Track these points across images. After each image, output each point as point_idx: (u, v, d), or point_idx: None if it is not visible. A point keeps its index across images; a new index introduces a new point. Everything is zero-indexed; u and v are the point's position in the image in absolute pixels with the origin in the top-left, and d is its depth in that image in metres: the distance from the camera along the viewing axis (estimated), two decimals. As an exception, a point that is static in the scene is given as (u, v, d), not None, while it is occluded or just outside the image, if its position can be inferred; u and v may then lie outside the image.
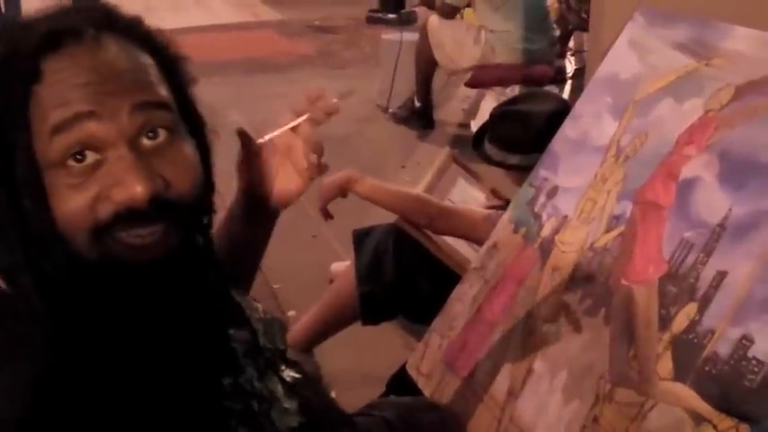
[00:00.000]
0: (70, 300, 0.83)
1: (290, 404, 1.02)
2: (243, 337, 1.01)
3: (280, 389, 1.02)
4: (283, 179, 1.11)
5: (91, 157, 0.82)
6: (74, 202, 0.81)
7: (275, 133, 1.10)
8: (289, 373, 1.06)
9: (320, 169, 1.12)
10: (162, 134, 0.85)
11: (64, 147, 0.81)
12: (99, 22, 0.87)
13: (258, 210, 1.15)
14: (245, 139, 1.10)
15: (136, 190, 0.81)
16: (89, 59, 0.83)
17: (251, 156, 1.11)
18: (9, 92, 0.81)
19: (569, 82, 5.26)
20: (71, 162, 0.81)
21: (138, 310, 0.86)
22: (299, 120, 1.10)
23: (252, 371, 0.99)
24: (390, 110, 5.23)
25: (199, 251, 0.94)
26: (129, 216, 0.82)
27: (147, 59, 0.88)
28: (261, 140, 1.10)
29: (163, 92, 0.87)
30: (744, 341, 1.11)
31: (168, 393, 0.86)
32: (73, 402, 0.81)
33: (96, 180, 0.82)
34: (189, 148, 0.89)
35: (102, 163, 0.82)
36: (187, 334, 0.90)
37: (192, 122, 0.93)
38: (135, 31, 0.90)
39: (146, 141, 0.84)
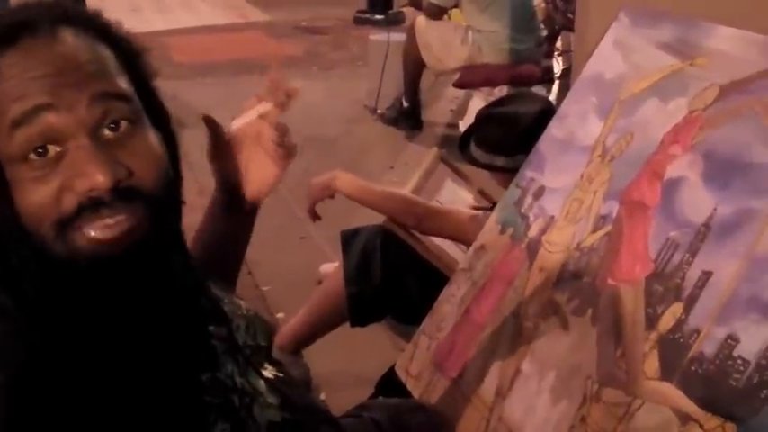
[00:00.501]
0: (40, 297, 0.83)
1: (272, 399, 1.02)
2: (222, 334, 1.00)
3: (262, 384, 1.02)
4: (258, 167, 1.12)
5: (52, 150, 0.81)
6: (37, 195, 0.81)
7: (243, 121, 1.10)
8: (271, 372, 1.06)
9: (290, 150, 1.13)
10: (123, 125, 0.85)
11: (25, 141, 0.80)
12: (55, 15, 0.86)
13: (237, 202, 1.15)
14: (212, 125, 1.10)
15: (97, 179, 0.80)
16: (45, 52, 0.83)
17: (221, 144, 1.11)
18: None
19: (557, 82, 5.27)
20: (33, 156, 0.81)
21: (110, 306, 0.85)
22: (264, 106, 1.10)
23: (232, 366, 0.98)
24: (378, 111, 5.23)
25: (168, 244, 0.93)
26: (93, 206, 0.81)
27: (105, 51, 0.87)
28: (229, 129, 1.10)
29: (122, 83, 0.87)
30: (729, 340, 1.11)
31: (145, 388, 0.85)
32: (49, 400, 0.80)
33: (59, 172, 0.81)
34: (152, 139, 0.88)
35: (64, 155, 0.81)
36: (161, 329, 0.90)
37: (155, 114, 0.93)
38: (93, 24, 0.89)
39: (107, 132, 0.84)
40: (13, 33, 0.83)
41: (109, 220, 0.82)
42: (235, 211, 1.17)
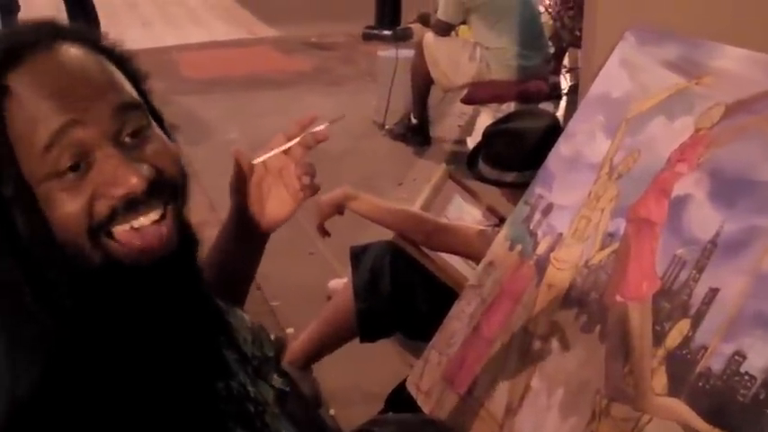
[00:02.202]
0: (72, 309, 0.85)
1: (279, 411, 1.04)
2: (231, 343, 1.03)
3: (271, 395, 1.04)
4: (275, 200, 1.15)
5: (82, 162, 0.84)
6: (70, 207, 0.84)
7: (268, 155, 1.14)
8: (279, 383, 1.08)
9: (312, 190, 1.16)
10: (140, 129, 0.89)
11: (57, 160, 0.83)
12: (50, 32, 0.89)
13: (249, 229, 1.18)
14: (240, 158, 1.13)
15: (132, 182, 0.84)
16: (53, 67, 0.86)
17: (244, 175, 1.14)
18: None
19: (565, 98, 5.29)
20: (63, 172, 0.83)
21: (138, 314, 0.88)
22: (291, 143, 1.14)
23: (244, 376, 1.01)
24: (387, 126, 5.25)
25: (190, 248, 0.96)
26: (127, 207, 0.85)
27: (105, 62, 0.91)
28: (254, 162, 1.14)
29: (133, 91, 0.90)
30: (736, 357, 1.13)
31: (163, 395, 0.87)
32: (74, 405, 0.82)
33: (89, 181, 0.84)
34: (164, 136, 0.93)
35: (92, 164, 0.84)
36: (182, 338, 0.92)
37: (153, 116, 0.96)
38: (85, 38, 0.92)
39: (128, 139, 0.87)
40: (15, 53, 0.85)
41: (143, 219, 0.86)
42: (246, 237, 1.19)
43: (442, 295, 1.93)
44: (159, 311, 0.89)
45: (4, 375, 0.81)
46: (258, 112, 5.80)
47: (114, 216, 0.85)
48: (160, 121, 0.97)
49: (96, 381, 0.84)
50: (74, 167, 0.83)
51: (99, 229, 0.85)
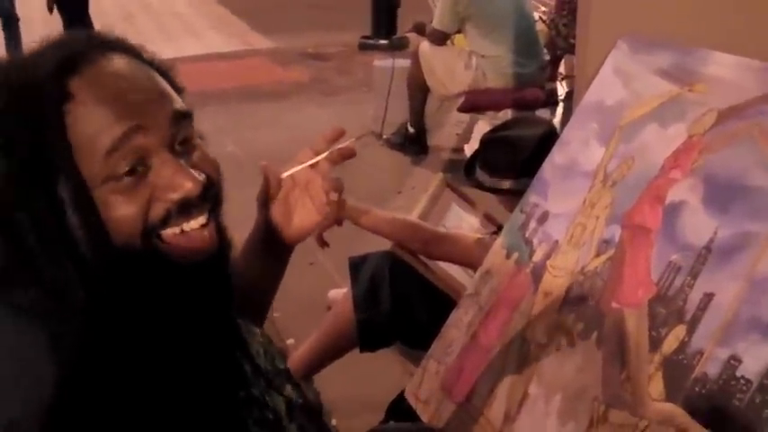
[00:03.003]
0: (115, 307, 0.87)
1: (291, 424, 1.05)
2: (246, 356, 1.05)
3: (283, 407, 1.06)
4: (301, 213, 1.18)
5: (140, 166, 0.87)
6: (127, 210, 0.86)
7: (295, 169, 1.16)
8: (292, 395, 1.10)
9: (339, 205, 1.20)
10: (189, 139, 0.93)
11: (119, 164, 0.85)
12: (100, 43, 0.92)
13: (275, 241, 1.20)
14: (268, 172, 1.16)
15: (188, 187, 0.88)
16: (113, 75, 0.88)
17: (272, 189, 1.16)
18: (42, 115, 0.84)
19: (561, 104, 5.31)
20: (122, 176, 0.86)
21: (171, 313, 0.90)
22: (318, 158, 1.16)
23: (260, 386, 1.02)
24: (384, 136, 5.27)
25: (226, 253, 0.99)
26: (181, 210, 0.88)
27: (153, 72, 0.94)
28: (282, 175, 1.16)
29: (182, 101, 0.94)
30: (732, 361, 1.13)
31: (190, 402, 0.89)
32: (101, 407, 0.83)
33: (146, 185, 0.87)
34: (204, 146, 0.97)
35: (149, 169, 0.87)
36: (207, 346, 0.94)
37: None
38: (130, 49, 0.95)
39: (178, 146, 0.91)
40: (73, 61, 0.88)
41: (193, 223, 0.90)
42: (272, 249, 1.22)
43: (442, 304, 1.94)
44: (192, 313, 0.92)
45: (47, 373, 0.82)
46: (255, 124, 5.82)
47: (167, 219, 0.88)
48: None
49: (126, 381, 0.85)
50: (131, 171, 0.86)
51: (152, 231, 0.87)
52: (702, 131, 1.35)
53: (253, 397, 1.00)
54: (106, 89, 0.86)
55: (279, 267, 1.27)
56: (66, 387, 0.82)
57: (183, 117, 0.92)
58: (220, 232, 0.96)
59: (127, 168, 0.86)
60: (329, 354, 2.42)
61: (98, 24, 7.66)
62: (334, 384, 2.49)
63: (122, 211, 0.86)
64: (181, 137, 0.91)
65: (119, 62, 0.90)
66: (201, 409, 0.90)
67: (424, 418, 1.60)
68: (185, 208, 0.89)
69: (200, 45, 9.48)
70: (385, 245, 2.31)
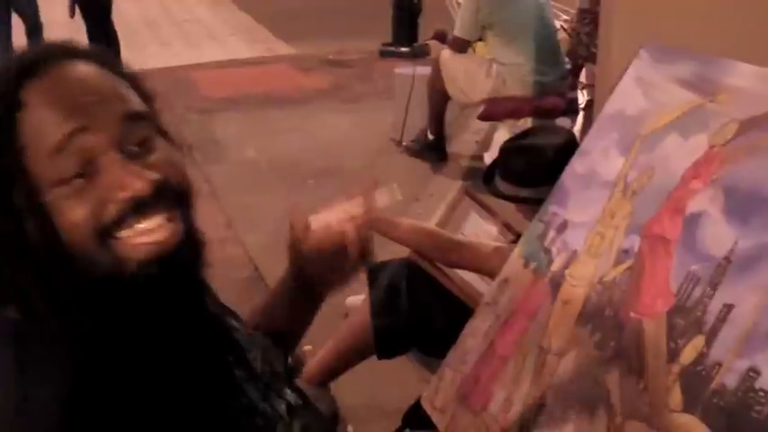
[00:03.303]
0: (85, 320, 0.87)
1: (294, 423, 1.05)
2: (240, 362, 1.04)
3: (284, 409, 1.06)
4: (333, 263, 1.16)
5: (89, 167, 0.87)
6: (78, 212, 0.86)
7: (327, 217, 1.15)
8: (291, 398, 1.10)
9: (368, 253, 1.19)
10: (146, 139, 0.92)
11: (66, 165, 0.86)
12: (61, 51, 0.94)
13: (304, 291, 1.20)
14: (296, 219, 1.16)
15: (137, 186, 0.87)
16: (64, 80, 0.90)
17: (301, 236, 1.16)
18: None
19: (581, 113, 5.29)
20: (72, 177, 0.86)
21: (143, 326, 0.90)
22: (350, 207, 1.16)
23: (254, 392, 1.02)
24: (404, 143, 5.28)
25: (197, 257, 0.98)
26: (133, 211, 0.87)
27: (114, 76, 0.95)
28: (313, 222, 1.15)
29: (140, 103, 0.94)
30: (751, 373, 1.12)
31: (172, 412, 0.89)
32: (89, 419, 0.84)
33: (96, 186, 0.87)
34: (170, 148, 0.96)
35: (99, 170, 0.87)
36: (188, 354, 0.94)
37: (161, 133, 0.98)
38: (95, 56, 0.96)
39: (133, 147, 0.90)
40: (29, 69, 0.90)
41: (148, 224, 0.88)
42: (301, 299, 1.22)
43: (460, 312, 1.93)
44: (164, 323, 0.91)
45: (12, 389, 0.83)
46: (275, 130, 5.84)
47: (122, 220, 0.87)
48: (170, 138, 1.01)
49: (100, 393, 0.85)
50: (80, 174, 0.86)
51: (107, 232, 0.87)
52: (723, 142, 1.34)
53: (243, 405, 0.99)
54: (56, 93, 0.88)
55: (308, 313, 1.28)
56: (33, 405, 0.82)
57: (137, 118, 0.92)
58: (188, 234, 0.94)
59: (75, 170, 0.86)
60: (346, 360, 2.42)
61: (122, 33, 7.74)
62: (350, 391, 2.49)
63: (73, 214, 0.86)
64: (135, 138, 0.90)
65: (75, 68, 0.91)
66: (186, 419, 0.90)
67: (440, 426, 1.60)
68: (138, 208, 0.88)
69: (222, 51, 9.53)
70: (403, 251, 2.31)
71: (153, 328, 0.90)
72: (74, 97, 0.88)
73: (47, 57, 0.91)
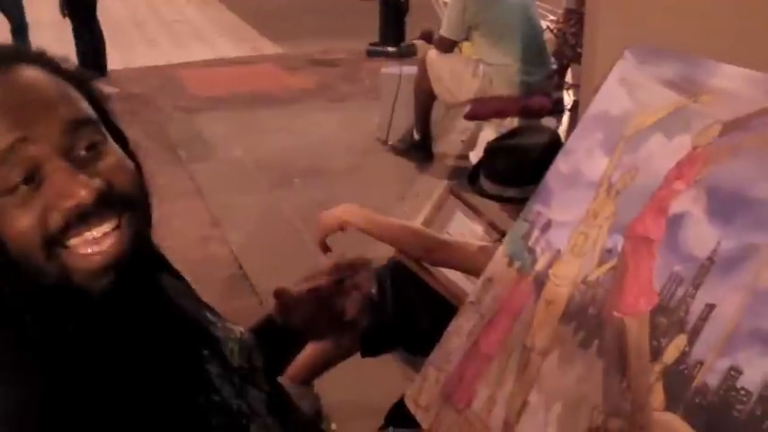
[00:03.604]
0: (36, 325, 0.87)
1: (271, 420, 1.05)
2: (216, 356, 1.04)
3: (261, 405, 1.05)
4: (317, 326, 1.19)
5: (33, 176, 0.86)
6: (23, 221, 0.86)
7: (313, 285, 1.17)
8: (267, 393, 1.09)
9: (358, 323, 1.21)
10: (93, 145, 0.90)
11: (8, 177, 0.85)
12: (7, 56, 0.92)
13: (288, 337, 1.21)
14: (281, 296, 1.19)
15: (81, 194, 0.85)
16: (7, 88, 0.88)
17: (287, 309, 1.18)
18: None
19: (567, 113, 5.31)
20: (15, 187, 0.85)
21: (101, 330, 0.89)
22: (341, 276, 1.18)
23: (229, 389, 1.01)
24: (390, 142, 5.28)
25: (153, 260, 0.97)
26: (79, 219, 0.86)
27: (62, 82, 0.93)
28: (299, 289, 1.17)
29: (87, 108, 0.92)
30: (732, 372, 1.13)
31: (139, 413, 0.88)
32: (52, 425, 0.83)
33: (40, 195, 0.86)
34: (120, 152, 0.94)
35: (44, 178, 0.86)
36: (153, 352, 0.93)
37: (116, 138, 0.97)
38: (44, 61, 0.95)
39: (80, 153, 0.89)
40: None
41: (95, 232, 0.87)
42: (284, 341, 1.23)
43: (444, 311, 1.93)
44: (123, 326, 0.91)
45: None
46: (262, 129, 5.83)
47: (68, 228, 0.86)
48: (124, 141, 0.99)
49: (66, 397, 0.84)
50: (26, 182, 0.86)
51: (53, 241, 0.87)
52: (707, 143, 1.35)
53: (212, 404, 0.99)
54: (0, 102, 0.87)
55: (292, 351, 1.29)
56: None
57: (83, 124, 0.90)
58: (138, 239, 0.93)
59: (18, 180, 0.85)
60: (330, 358, 2.42)
61: (108, 32, 7.71)
62: (334, 389, 2.49)
63: (19, 222, 0.85)
64: (82, 144, 0.89)
65: (21, 74, 0.90)
66: (156, 418, 0.89)
67: (424, 424, 1.60)
68: (83, 216, 0.86)
69: (209, 50, 9.50)
70: (388, 251, 2.31)
71: (113, 333, 0.90)
72: (17, 105, 0.87)
73: None
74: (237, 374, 1.05)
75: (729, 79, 1.38)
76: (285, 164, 5.03)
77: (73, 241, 0.87)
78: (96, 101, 0.97)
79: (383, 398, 2.20)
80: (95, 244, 0.88)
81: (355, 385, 2.54)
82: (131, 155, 0.99)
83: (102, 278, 0.88)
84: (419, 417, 1.62)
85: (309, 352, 2.42)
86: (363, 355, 2.34)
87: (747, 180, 1.25)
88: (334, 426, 2.36)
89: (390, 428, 2.06)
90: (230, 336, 1.11)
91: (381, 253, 2.38)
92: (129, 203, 0.92)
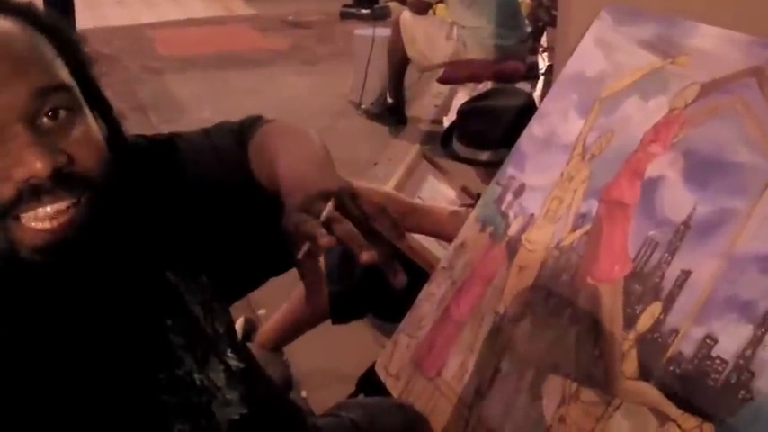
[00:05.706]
0: None
1: (231, 395, 1.01)
2: (181, 325, 0.99)
3: (222, 378, 1.01)
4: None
5: None
6: None
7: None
8: (233, 361, 1.05)
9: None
10: (62, 114, 0.84)
11: None
12: None
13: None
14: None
15: (36, 166, 0.79)
16: None
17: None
18: None
19: (542, 78, 5.27)
20: None
21: (57, 301, 0.84)
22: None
23: (191, 362, 0.97)
24: (363, 106, 5.22)
25: (116, 231, 0.91)
26: (33, 193, 0.80)
27: (41, 40, 0.86)
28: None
29: (61, 72, 0.86)
30: (707, 340, 1.11)
31: (99, 388, 0.84)
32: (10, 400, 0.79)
33: None
34: (92, 126, 0.87)
35: (2, 143, 0.81)
36: (116, 326, 0.89)
37: (96, 103, 0.91)
38: (27, 15, 0.88)
39: (45, 121, 0.82)
40: None
41: (49, 209, 0.81)
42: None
43: (416, 277, 1.90)
44: (81, 297, 0.86)
45: None
46: (233, 91, 5.75)
47: (20, 201, 0.81)
48: (108, 108, 0.94)
49: (21, 372, 0.80)
50: None
51: (4, 212, 0.81)
52: (684, 105, 1.32)
53: (175, 379, 0.94)
54: None
55: None
56: None
57: (55, 90, 0.84)
58: (97, 220, 0.86)
59: None
60: (300, 325, 2.38)
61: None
62: (304, 356, 2.46)
63: None
64: (47, 109, 0.82)
65: None
66: (112, 397, 0.85)
67: (395, 392, 1.57)
68: (36, 190, 0.80)
69: (180, 10, 9.34)
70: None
71: (63, 305, 0.85)
72: None
73: None
74: (200, 344, 1.01)
75: (707, 39, 1.35)
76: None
77: (25, 215, 0.82)
78: (78, 64, 0.90)
79: (354, 365, 2.17)
80: (47, 220, 0.82)
81: (326, 352, 2.51)
82: (114, 122, 0.93)
83: (47, 256, 0.83)
84: (389, 385, 1.60)
85: (279, 318, 2.39)
86: (334, 322, 2.31)
87: (724, 143, 1.23)
88: (304, 393, 2.34)
89: (361, 396, 2.04)
90: (193, 299, 1.06)
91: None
92: (90, 184, 0.84)
